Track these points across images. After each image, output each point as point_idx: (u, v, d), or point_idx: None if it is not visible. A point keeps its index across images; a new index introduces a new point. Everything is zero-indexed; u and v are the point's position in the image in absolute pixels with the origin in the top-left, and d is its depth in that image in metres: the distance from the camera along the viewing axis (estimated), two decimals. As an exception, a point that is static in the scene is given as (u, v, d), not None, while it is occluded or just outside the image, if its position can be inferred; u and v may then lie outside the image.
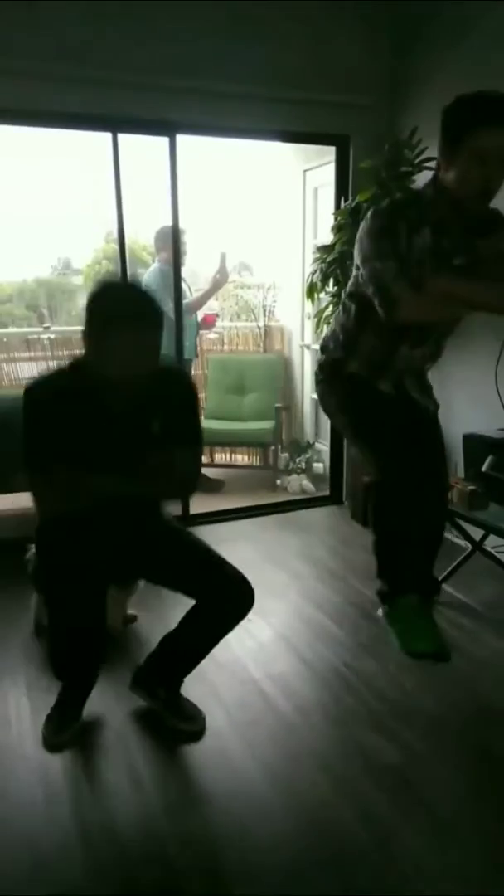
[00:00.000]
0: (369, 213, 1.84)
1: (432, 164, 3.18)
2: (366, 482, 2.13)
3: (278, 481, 4.48)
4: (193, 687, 2.26)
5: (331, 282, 3.48)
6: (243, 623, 2.67)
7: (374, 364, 1.98)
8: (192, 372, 4.61)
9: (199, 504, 3.84)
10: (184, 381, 2.01)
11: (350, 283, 2.02)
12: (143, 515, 2.05)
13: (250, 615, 2.73)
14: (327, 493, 4.13)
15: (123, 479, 1.79)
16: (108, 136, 3.16)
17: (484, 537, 2.79)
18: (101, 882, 1.56)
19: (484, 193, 1.75)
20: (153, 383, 1.78)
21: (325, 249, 3.49)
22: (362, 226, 1.84)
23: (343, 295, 2.08)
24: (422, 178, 3.27)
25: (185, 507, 3.75)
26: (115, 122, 3.13)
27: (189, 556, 2.05)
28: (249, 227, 6.02)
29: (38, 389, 1.84)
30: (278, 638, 2.61)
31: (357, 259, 1.87)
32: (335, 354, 2.05)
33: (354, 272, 1.96)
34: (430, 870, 1.58)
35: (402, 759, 1.95)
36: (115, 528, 1.91)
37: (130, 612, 2.67)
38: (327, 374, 2.09)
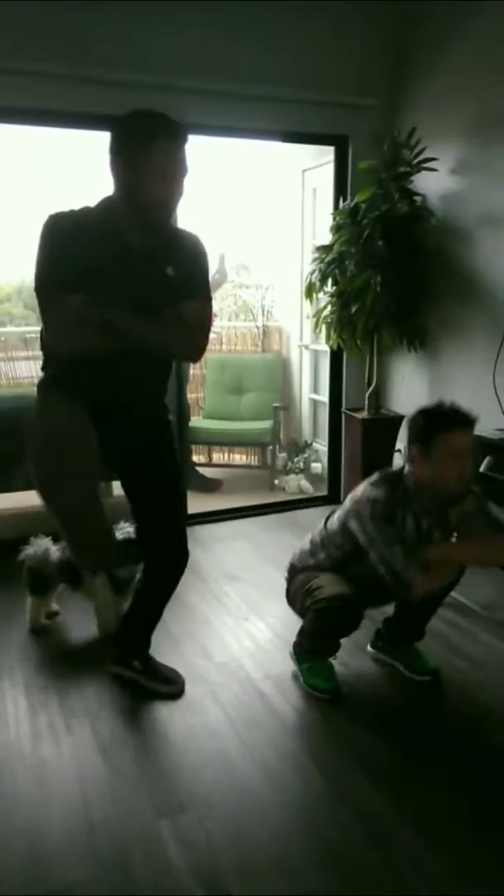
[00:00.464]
0: (366, 499, 2.04)
1: (432, 164, 3.20)
2: None
3: (276, 481, 4.48)
4: (191, 687, 2.27)
5: (329, 282, 3.48)
6: (241, 623, 2.70)
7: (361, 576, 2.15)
8: (191, 372, 4.61)
9: (197, 504, 3.84)
10: (198, 242, 2.00)
11: (337, 535, 2.19)
12: (149, 394, 2.07)
13: (247, 614, 2.75)
14: (325, 492, 4.14)
15: (139, 317, 1.81)
16: (108, 135, 3.15)
17: (481, 538, 2.79)
18: (100, 881, 1.56)
19: (459, 483, 2.04)
20: (171, 237, 1.91)
21: (323, 249, 3.50)
22: (363, 508, 2.03)
23: (323, 539, 2.25)
24: (420, 179, 3.30)
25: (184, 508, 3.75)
26: (115, 122, 3.12)
27: (164, 490, 2.12)
28: (248, 227, 6.02)
29: (61, 215, 1.84)
30: (276, 638, 2.61)
31: (359, 536, 2.07)
32: (320, 561, 2.26)
33: (340, 535, 2.17)
34: (428, 869, 1.58)
35: (399, 757, 1.95)
36: (119, 399, 1.96)
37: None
38: (295, 572, 2.32)
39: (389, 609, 2.37)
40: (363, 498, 2.06)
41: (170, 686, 2.23)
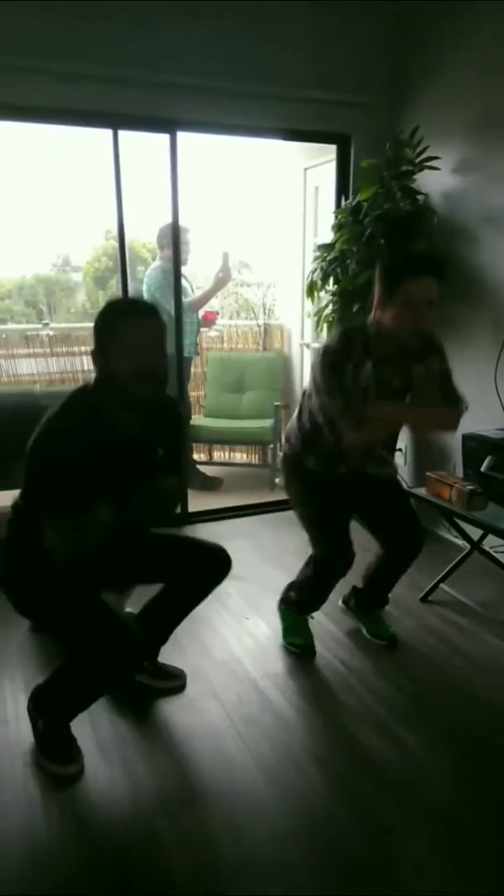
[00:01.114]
0: (321, 349, 2.16)
1: (434, 163, 3.19)
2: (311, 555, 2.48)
3: (277, 479, 4.47)
4: (192, 686, 2.27)
5: (331, 280, 3.47)
6: (241, 622, 2.69)
7: (329, 457, 2.29)
8: (192, 370, 4.60)
9: (198, 502, 3.84)
10: (177, 407, 2.05)
11: (308, 390, 2.30)
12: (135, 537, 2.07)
13: (248, 613, 2.75)
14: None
15: (130, 507, 1.82)
16: (108, 132, 3.15)
17: (482, 537, 2.79)
18: (98, 879, 1.56)
19: (415, 331, 2.10)
20: (158, 408, 1.80)
21: (325, 248, 3.49)
22: (316, 358, 2.17)
23: (303, 396, 2.35)
24: (423, 177, 3.29)
25: (184, 506, 3.75)
26: (116, 119, 3.12)
27: (167, 543, 2.15)
28: (250, 225, 6.01)
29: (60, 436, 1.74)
30: (276, 636, 2.61)
31: (311, 385, 2.22)
32: (296, 448, 2.37)
33: (311, 384, 2.26)
34: (429, 869, 1.59)
35: (399, 757, 1.96)
36: (112, 553, 1.89)
37: (128, 609, 2.65)
38: (288, 468, 2.42)
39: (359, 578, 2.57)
40: (320, 347, 2.17)
41: (173, 681, 2.27)
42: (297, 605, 2.53)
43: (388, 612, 2.77)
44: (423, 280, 2.04)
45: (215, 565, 2.13)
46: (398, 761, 1.94)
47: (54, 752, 1.94)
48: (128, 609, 2.63)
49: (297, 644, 2.50)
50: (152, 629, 2.20)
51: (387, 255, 2.11)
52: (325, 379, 2.11)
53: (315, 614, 2.72)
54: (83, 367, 4.75)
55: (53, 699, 1.96)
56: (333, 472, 2.31)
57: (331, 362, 2.10)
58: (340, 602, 2.72)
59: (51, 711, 1.96)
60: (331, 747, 2.00)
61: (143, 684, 2.25)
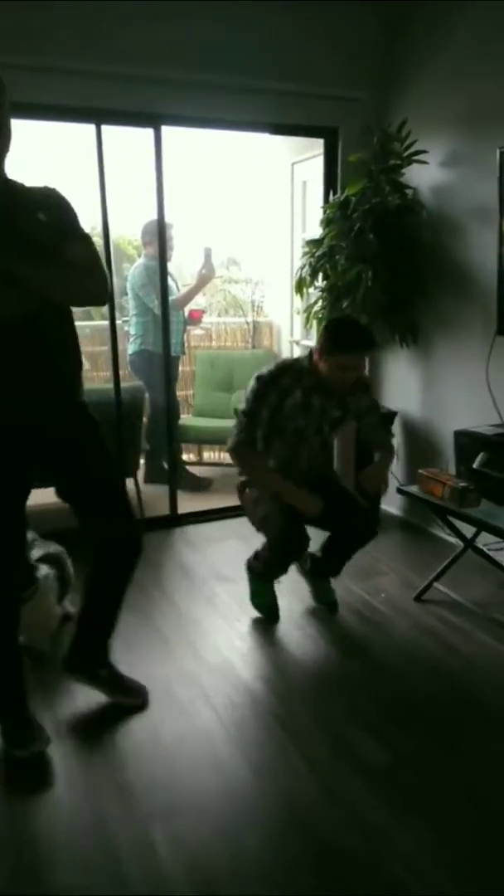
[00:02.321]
0: (256, 375, 2.46)
1: (422, 157, 3.16)
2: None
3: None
4: (183, 689, 2.23)
5: (320, 276, 3.44)
6: (233, 624, 2.66)
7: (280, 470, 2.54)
8: (180, 368, 4.55)
9: (187, 503, 3.80)
10: (54, 189, 1.83)
11: None
12: (61, 369, 1.87)
13: (239, 616, 2.71)
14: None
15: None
16: (91, 128, 3.09)
17: (476, 534, 2.76)
18: (92, 886, 1.52)
19: (341, 387, 2.45)
20: (20, 187, 1.77)
21: (314, 243, 3.45)
22: (250, 382, 2.47)
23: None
24: (411, 172, 3.25)
25: (173, 507, 3.71)
26: (99, 114, 3.06)
27: (102, 479, 2.00)
28: (237, 221, 5.96)
29: None
30: (268, 639, 2.58)
31: None
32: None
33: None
34: (422, 869, 1.56)
35: (392, 758, 1.93)
36: (31, 380, 1.77)
37: (70, 608, 2.57)
38: (241, 486, 2.64)
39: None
40: (256, 374, 2.47)
41: (132, 698, 2.16)
42: (260, 575, 2.69)
43: (382, 611, 2.74)
44: (354, 354, 2.37)
45: (129, 551, 2.06)
46: (391, 761, 1.91)
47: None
48: (69, 608, 2.57)
49: (262, 604, 2.70)
50: (91, 627, 2.13)
51: (329, 323, 2.48)
52: (247, 400, 2.44)
53: (305, 614, 2.70)
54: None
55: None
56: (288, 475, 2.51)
57: (256, 388, 2.41)
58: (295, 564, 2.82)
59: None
60: (323, 749, 1.97)
61: (99, 691, 2.14)
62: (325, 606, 2.75)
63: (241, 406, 2.48)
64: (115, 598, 2.09)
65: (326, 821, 1.71)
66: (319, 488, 2.49)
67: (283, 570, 2.64)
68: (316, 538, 2.63)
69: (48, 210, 1.76)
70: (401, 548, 3.40)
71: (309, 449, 2.55)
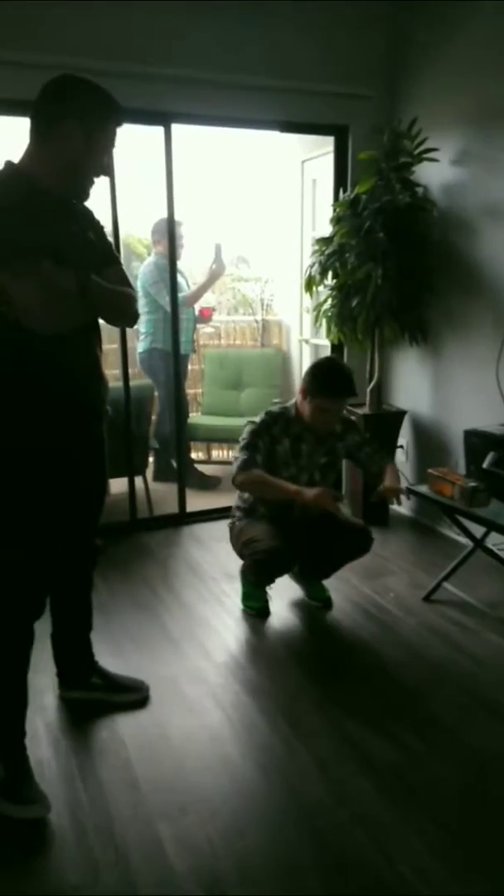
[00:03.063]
0: (247, 423, 2.62)
1: (433, 154, 3.14)
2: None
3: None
4: (191, 687, 2.23)
5: (329, 275, 3.43)
6: (243, 621, 2.66)
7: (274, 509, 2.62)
8: (189, 367, 4.55)
9: (195, 501, 3.80)
10: (91, 211, 1.86)
11: None
12: (96, 377, 1.85)
13: (248, 613, 2.71)
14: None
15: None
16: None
17: (485, 535, 2.75)
18: (99, 885, 1.53)
19: (323, 430, 2.58)
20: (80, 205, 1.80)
21: (323, 242, 3.44)
22: (242, 433, 2.61)
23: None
24: (421, 169, 3.24)
25: (182, 505, 3.71)
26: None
27: (96, 499, 1.98)
28: (247, 219, 5.94)
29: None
30: (276, 638, 2.57)
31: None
32: (236, 516, 2.75)
33: None
34: (431, 871, 1.56)
35: (401, 758, 1.92)
36: (77, 389, 1.76)
37: None
38: (233, 521, 2.76)
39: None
40: (247, 424, 2.61)
41: (133, 693, 2.16)
42: (252, 583, 2.73)
43: (390, 611, 2.74)
44: (335, 401, 2.50)
45: (92, 563, 2.06)
46: (400, 762, 1.91)
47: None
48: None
49: (253, 607, 2.72)
50: (70, 643, 2.11)
51: (313, 366, 2.56)
52: (244, 437, 2.56)
53: (314, 613, 2.70)
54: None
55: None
56: (286, 512, 2.58)
57: (253, 429, 2.56)
58: None
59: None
60: (331, 749, 1.96)
61: (103, 702, 2.12)
62: (319, 604, 2.77)
63: (239, 445, 2.59)
64: (84, 605, 2.09)
65: (334, 820, 1.70)
66: (313, 523, 2.54)
67: (271, 581, 2.66)
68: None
69: (95, 229, 1.83)
70: (410, 547, 3.39)
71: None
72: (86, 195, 1.78)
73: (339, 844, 1.64)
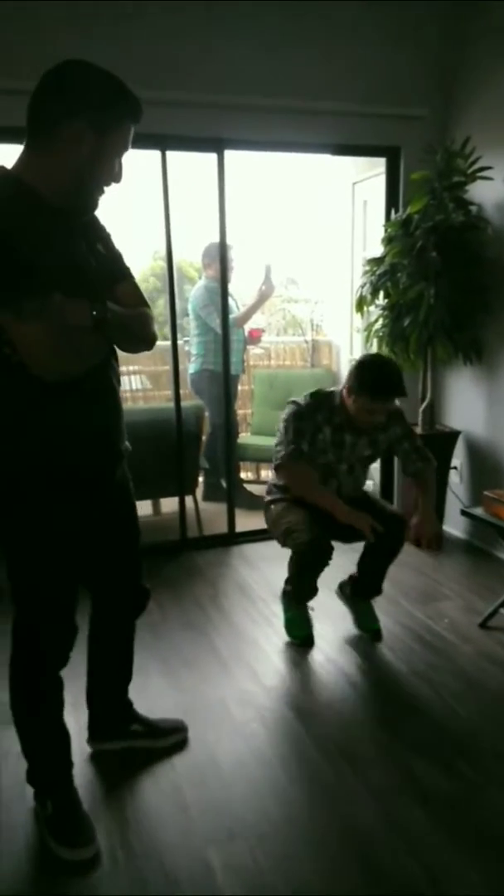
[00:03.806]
0: (293, 404, 2.53)
1: (487, 173, 3.10)
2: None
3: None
4: (240, 710, 2.21)
5: (381, 294, 3.41)
6: (291, 645, 2.62)
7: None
8: (239, 387, 4.58)
9: (245, 521, 3.80)
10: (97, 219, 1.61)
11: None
12: (119, 414, 1.65)
13: (293, 643, 2.67)
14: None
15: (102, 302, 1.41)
16: (157, 153, 3.17)
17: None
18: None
19: (365, 426, 2.49)
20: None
21: (375, 262, 3.43)
22: (287, 410, 2.54)
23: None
24: (474, 188, 3.20)
25: (231, 525, 3.71)
26: (164, 140, 3.14)
27: (132, 537, 1.82)
28: (297, 240, 5.99)
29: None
30: (328, 662, 2.53)
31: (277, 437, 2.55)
32: (275, 494, 2.66)
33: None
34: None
35: (455, 788, 1.86)
36: (103, 426, 1.58)
37: None
38: (268, 503, 2.70)
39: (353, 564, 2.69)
40: (292, 404, 2.53)
41: (174, 736, 2.05)
42: (294, 597, 2.67)
43: (445, 637, 2.66)
44: (379, 401, 2.39)
45: (135, 608, 1.91)
46: (454, 791, 1.84)
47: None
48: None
49: (297, 636, 2.64)
50: (108, 691, 1.98)
51: (360, 363, 2.41)
52: (287, 423, 2.48)
53: (366, 638, 2.65)
54: (140, 385, 4.78)
55: (28, 759, 1.74)
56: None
57: (298, 412, 2.48)
58: (336, 588, 2.84)
59: (38, 777, 1.76)
60: (384, 777, 1.91)
61: (140, 749, 2.00)
62: (368, 634, 2.68)
63: (281, 425, 2.50)
64: (125, 656, 1.97)
65: (387, 850, 1.65)
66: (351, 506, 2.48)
67: (312, 587, 2.55)
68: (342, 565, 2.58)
69: (103, 240, 1.58)
70: (464, 571, 3.30)
71: (338, 480, 2.56)
72: (94, 207, 1.52)
73: (391, 875, 1.59)
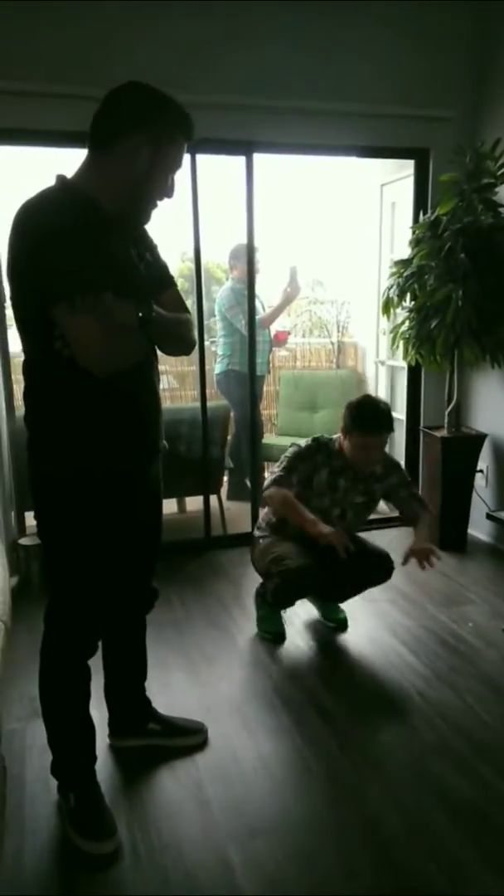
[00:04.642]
0: (293, 446, 2.64)
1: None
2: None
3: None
4: (263, 712, 2.22)
5: (408, 297, 3.40)
6: (315, 649, 2.63)
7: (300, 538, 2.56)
8: (264, 388, 4.59)
9: (270, 521, 3.80)
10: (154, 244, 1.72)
11: None
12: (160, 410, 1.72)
13: (319, 636, 2.68)
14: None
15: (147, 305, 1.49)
16: (186, 156, 3.19)
17: None
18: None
19: (362, 468, 2.57)
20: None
21: (402, 264, 3.42)
22: (287, 452, 2.64)
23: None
24: (505, 190, 3.17)
25: (255, 524, 3.72)
26: (194, 143, 3.15)
27: (154, 537, 1.86)
28: (323, 242, 5.98)
29: (49, 202, 1.49)
30: (350, 663, 2.53)
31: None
32: (265, 532, 2.70)
33: None
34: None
35: (478, 794, 1.84)
36: (150, 422, 1.66)
37: None
38: (257, 537, 2.73)
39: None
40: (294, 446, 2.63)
41: (193, 737, 2.06)
42: (270, 604, 2.69)
43: (470, 641, 2.64)
44: (371, 437, 2.49)
45: (147, 608, 1.94)
46: (477, 797, 1.83)
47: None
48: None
49: (269, 632, 2.70)
50: (124, 689, 2.00)
51: (350, 404, 2.55)
52: (284, 460, 2.59)
53: (389, 641, 2.64)
54: (167, 384, 4.82)
55: (53, 751, 1.78)
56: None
57: (297, 452, 2.59)
58: None
59: (62, 770, 1.79)
60: (407, 780, 1.90)
61: (156, 747, 2.02)
62: (333, 625, 2.75)
63: (279, 463, 2.61)
64: (139, 651, 2.00)
65: (407, 852, 1.65)
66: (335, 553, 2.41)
67: (292, 604, 2.65)
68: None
69: (151, 250, 1.67)
70: (490, 575, 3.27)
71: (329, 522, 2.52)
72: (147, 220, 1.61)
73: (412, 878, 1.58)
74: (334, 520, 2.56)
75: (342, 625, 2.75)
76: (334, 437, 2.63)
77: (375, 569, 2.60)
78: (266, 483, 2.58)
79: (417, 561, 2.48)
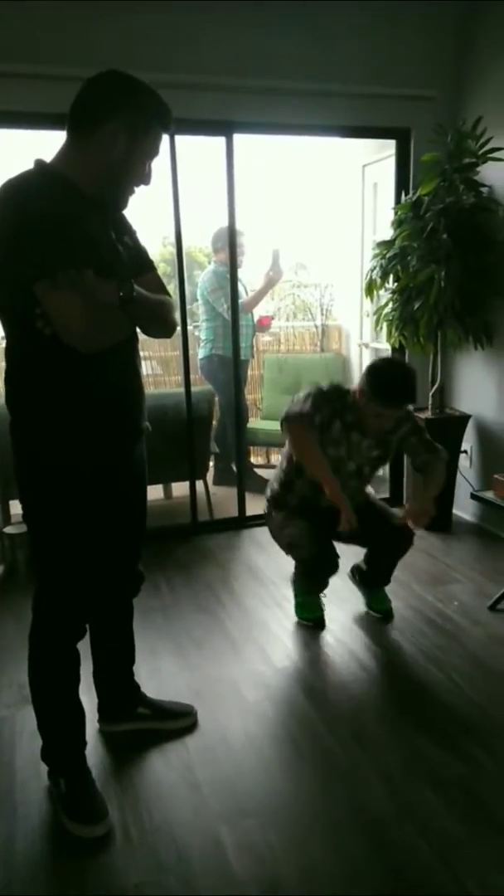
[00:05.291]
0: (315, 385, 2.49)
1: (498, 154, 3.06)
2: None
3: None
4: (252, 691, 2.24)
5: (390, 278, 3.39)
6: (301, 627, 2.65)
7: (307, 497, 2.56)
8: (248, 372, 4.58)
9: (255, 505, 3.80)
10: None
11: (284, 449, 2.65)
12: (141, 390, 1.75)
13: (304, 625, 2.69)
14: (387, 494, 4.03)
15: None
16: (164, 138, 3.15)
17: None
18: (160, 885, 1.54)
19: (377, 431, 2.47)
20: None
21: (384, 245, 3.41)
22: (309, 389, 2.50)
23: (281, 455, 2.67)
24: (486, 169, 3.16)
25: (241, 509, 3.73)
26: (172, 124, 3.11)
27: (139, 520, 1.87)
28: (306, 225, 5.95)
29: (30, 183, 1.50)
30: (337, 643, 2.55)
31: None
32: (276, 492, 2.66)
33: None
34: (496, 886, 1.50)
35: (467, 771, 1.87)
36: (132, 401, 1.69)
37: None
38: (269, 507, 2.71)
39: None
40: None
41: (182, 720, 2.08)
42: (303, 591, 2.71)
43: (455, 620, 2.67)
44: (393, 409, 2.37)
45: (134, 591, 1.95)
46: (465, 775, 1.86)
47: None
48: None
49: (308, 618, 2.68)
50: (113, 674, 2.01)
51: (374, 367, 2.39)
52: (309, 395, 2.42)
53: (377, 621, 2.66)
54: (150, 370, 4.79)
55: (43, 736, 1.79)
56: (316, 503, 2.51)
57: (324, 392, 2.44)
58: (348, 571, 2.84)
59: (53, 755, 1.80)
60: (396, 760, 1.93)
61: (153, 731, 2.04)
62: (379, 615, 2.72)
63: (303, 394, 2.44)
64: (127, 635, 2.01)
65: (399, 832, 1.67)
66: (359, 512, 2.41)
67: (322, 587, 2.66)
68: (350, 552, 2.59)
69: (130, 234, 1.68)
70: (475, 555, 3.30)
71: (344, 476, 2.48)
72: (124, 205, 1.64)
73: (403, 856, 1.61)
74: (347, 473, 2.49)
75: (387, 614, 2.71)
76: (350, 388, 2.49)
77: (405, 540, 2.56)
78: (290, 412, 2.38)
79: (412, 521, 2.42)
